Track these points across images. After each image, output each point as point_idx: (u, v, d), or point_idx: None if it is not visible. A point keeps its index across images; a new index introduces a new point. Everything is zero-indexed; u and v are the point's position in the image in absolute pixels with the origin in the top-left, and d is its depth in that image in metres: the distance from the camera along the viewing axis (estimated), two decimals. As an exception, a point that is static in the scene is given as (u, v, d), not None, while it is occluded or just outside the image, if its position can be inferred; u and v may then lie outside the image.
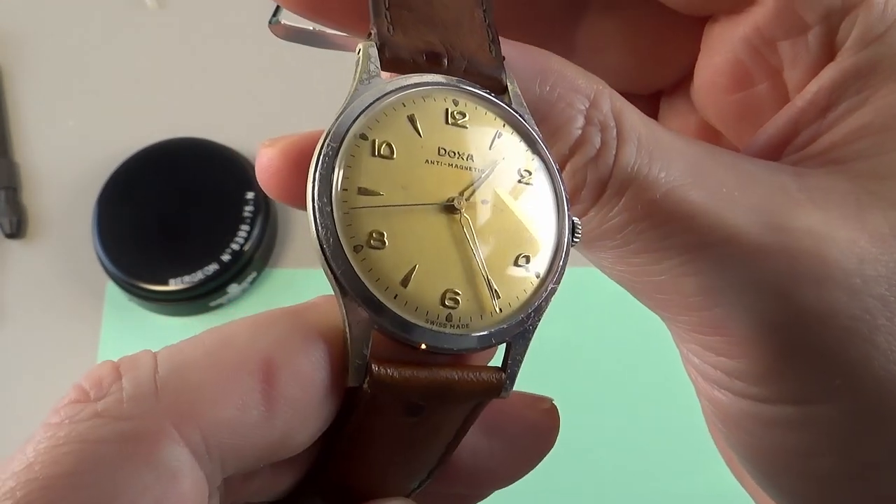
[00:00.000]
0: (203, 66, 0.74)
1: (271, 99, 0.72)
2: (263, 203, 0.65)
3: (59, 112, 0.72)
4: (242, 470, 0.22)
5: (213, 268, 0.63)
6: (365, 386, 0.22)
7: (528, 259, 0.23)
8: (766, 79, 0.29)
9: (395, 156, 0.23)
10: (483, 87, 0.24)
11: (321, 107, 0.70)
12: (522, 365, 0.23)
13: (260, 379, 0.22)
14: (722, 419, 0.28)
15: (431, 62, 0.24)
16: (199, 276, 0.62)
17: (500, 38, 0.25)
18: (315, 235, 0.22)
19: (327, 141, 0.22)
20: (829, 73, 0.27)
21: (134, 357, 0.23)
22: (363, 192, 0.22)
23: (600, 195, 0.25)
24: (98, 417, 0.21)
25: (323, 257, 0.22)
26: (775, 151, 0.27)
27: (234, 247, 0.63)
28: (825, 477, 0.26)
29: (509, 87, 0.24)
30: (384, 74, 0.23)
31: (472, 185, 0.23)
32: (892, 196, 0.25)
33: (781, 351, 0.25)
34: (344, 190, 0.22)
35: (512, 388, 0.23)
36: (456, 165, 0.23)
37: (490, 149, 0.24)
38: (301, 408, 0.22)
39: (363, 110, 0.23)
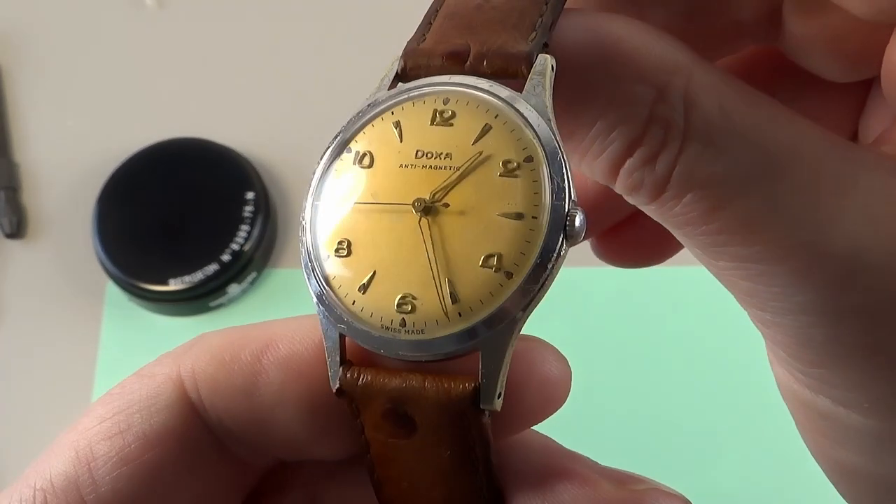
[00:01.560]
0: (203, 66, 0.74)
1: (271, 99, 0.72)
2: (263, 203, 0.65)
3: (59, 112, 0.72)
4: (232, 429, 0.25)
5: (213, 268, 0.63)
6: (334, 388, 0.23)
7: (499, 258, 0.21)
8: None
9: (373, 164, 0.23)
10: (506, 73, 0.22)
11: (321, 107, 0.71)
12: (503, 374, 0.22)
13: (254, 352, 0.25)
14: (777, 381, 0.27)
15: (452, 61, 0.23)
16: (199, 276, 0.62)
17: (568, 11, 0.23)
18: (300, 247, 0.23)
19: (321, 159, 0.23)
20: None
21: (211, 331, 0.27)
22: (338, 203, 0.23)
23: (658, 196, 0.23)
24: (154, 362, 0.27)
25: (304, 269, 0.23)
26: None
27: (234, 247, 0.63)
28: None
29: (533, 70, 0.22)
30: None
31: (444, 184, 0.22)
32: None
33: (821, 362, 0.23)
34: (321, 201, 0.23)
35: (493, 399, 0.22)
36: (431, 166, 0.22)
37: (474, 144, 0.22)
38: (287, 391, 0.24)
39: (358, 125, 0.23)
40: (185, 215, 0.65)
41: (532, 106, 0.22)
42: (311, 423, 0.24)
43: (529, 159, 0.22)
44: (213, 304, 0.64)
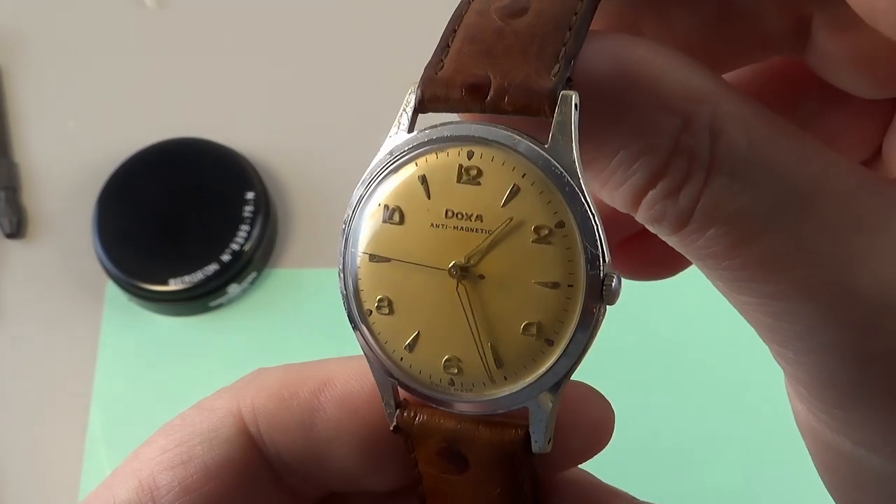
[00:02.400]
0: (203, 66, 0.74)
1: (271, 99, 0.72)
2: (263, 203, 0.65)
3: (59, 112, 0.72)
4: (291, 462, 0.26)
5: (213, 268, 0.63)
6: (391, 427, 0.24)
7: (538, 327, 0.22)
8: None
9: (404, 221, 0.23)
10: (529, 112, 0.21)
11: (322, 107, 0.71)
12: (550, 425, 0.23)
13: (312, 390, 0.26)
14: (795, 417, 0.26)
15: (472, 94, 0.21)
16: (199, 276, 0.62)
17: (590, 34, 0.22)
18: (341, 297, 0.24)
19: (352, 206, 0.23)
20: None
21: (268, 367, 0.29)
22: (374, 258, 0.23)
23: (681, 228, 0.22)
24: (214, 395, 0.28)
25: (344, 306, 0.24)
26: None
27: (234, 247, 0.63)
28: None
29: (558, 111, 0.21)
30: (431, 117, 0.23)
31: (478, 249, 0.22)
32: None
33: (843, 404, 0.23)
34: (359, 257, 0.23)
35: (543, 444, 0.23)
36: (462, 228, 0.22)
37: (503, 206, 0.22)
38: (344, 427, 0.25)
39: (381, 171, 0.23)
40: (185, 215, 0.65)
41: (558, 163, 0.21)
42: (366, 457, 0.26)
43: (561, 224, 0.21)
44: (213, 304, 0.64)
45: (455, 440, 0.24)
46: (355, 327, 0.24)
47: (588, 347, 0.22)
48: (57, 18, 0.76)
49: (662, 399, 0.59)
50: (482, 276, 0.22)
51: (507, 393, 0.22)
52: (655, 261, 0.30)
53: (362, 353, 0.24)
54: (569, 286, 0.22)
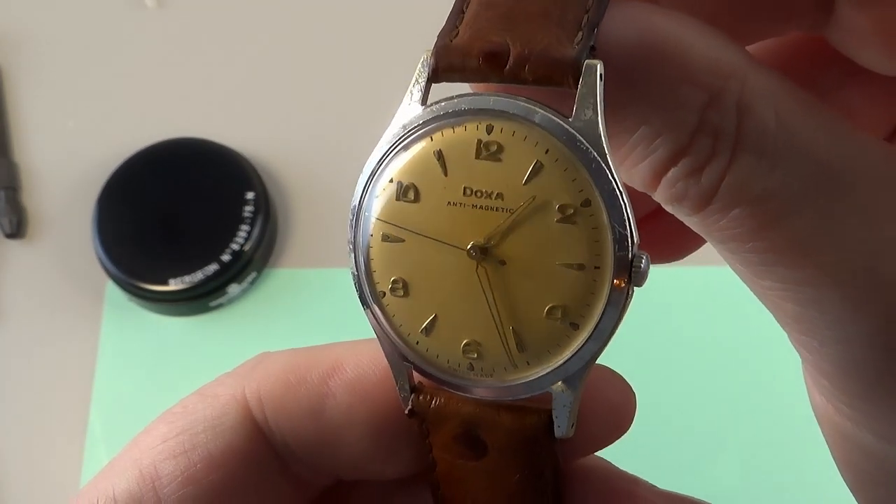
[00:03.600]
0: (203, 66, 0.74)
1: (271, 99, 0.72)
2: (263, 203, 0.65)
3: (59, 112, 0.72)
4: (300, 449, 0.25)
5: (213, 268, 0.63)
6: (406, 411, 0.23)
7: (563, 310, 0.21)
8: None
9: (419, 199, 0.21)
10: (552, 82, 0.20)
11: (322, 106, 0.71)
12: (573, 409, 0.22)
13: (322, 373, 0.25)
14: (814, 410, 0.25)
15: (489, 64, 0.20)
16: (199, 276, 0.62)
17: (612, 3, 0.20)
18: (352, 277, 0.23)
19: (363, 183, 0.22)
20: None
21: (272, 352, 0.28)
22: (386, 238, 0.22)
23: (703, 208, 0.21)
24: (218, 381, 0.28)
25: (356, 291, 0.23)
26: None
27: (234, 247, 0.63)
28: None
29: (582, 82, 0.20)
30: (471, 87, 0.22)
31: (498, 228, 0.21)
32: None
33: (869, 396, 0.22)
34: (371, 236, 0.22)
35: (567, 428, 0.22)
36: (482, 206, 0.21)
37: (525, 184, 0.21)
38: (355, 413, 0.24)
39: (392, 146, 0.22)
40: (185, 215, 0.65)
41: (584, 137, 0.20)
42: (377, 444, 0.25)
43: (587, 203, 0.20)
44: (213, 304, 0.64)
45: (474, 425, 0.23)
46: (367, 307, 0.23)
47: (615, 331, 0.21)
48: (57, 18, 0.76)
49: (664, 396, 0.59)
50: (503, 257, 0.21)
51: (530, 378, 0.22)
52: (667, 242, 0.29)
53: (374, 335, 0.23)
54: (595, 268, 0.21)
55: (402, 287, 0.22)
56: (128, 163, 0.67)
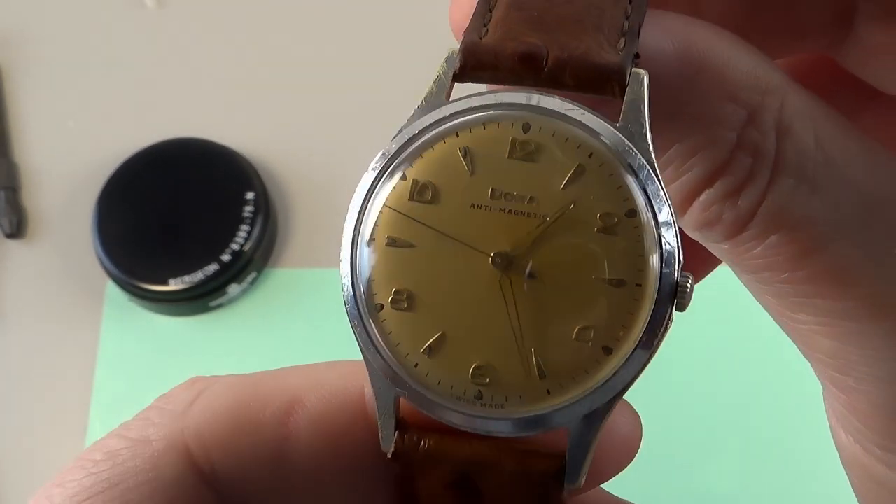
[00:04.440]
0: (203, 66, 0.74)
1: (271, 99, 0.72)
2: (263, 203, 0.65)
3: (59, 112, 0.72)
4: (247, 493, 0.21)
5: (213, 268, 0.63)
6: (389, 454, 0.20)
7: (596, 332, 0.19)
8: None
9: (436, 199, 0.19)
10: (593, 89, 0.19)
11: (322, 107, 0.71)
12: (591, 453, 0.19)
13: (281, 413, 0.21)
14: (839, 450, 0.24)
15: (526, 66, 0.19)
16: (199, 276, 0.62)
17: (648, 11, 0.19)
18: (341, 289, 0.20)
19: (368, 179, 0.19)
20: None
21: (210, 377, 0.23)
22: (392, 242, 0.19)
23: (737, 234, 0.19)
24: (144, 420, 0.22)
25: (345, 303, 0.20)
26: None
27: (234, 247, 0.63)
28: None
29: (630, 89, 0.18)
30: (462, 89, 0.20)
31: (529, 235, 0.19)
32: None
33: None
34: (371, 240, 0.19)
35: (579, 477, 0.19)
36: (511, 211, 0.19)
37: (563, 188, 0.19)
38: (323, 456, 0.20)
39: (408, 142, 0.19)
40: (185, 215, 0.65)
41: (633, 144, 0.18)
42: (351, 492, 0.21)
43: (632, 213, 0.18)
44: (213, 304, 0.64)
45: (470, 471, 0.20)
46: (358, 322, 0.20)
47: (650, 360, 0.19)
48: (57, 18, 0.76)
49: (664, 396, 0.59)
50: (532, 269, 0.19)
51: (548, 411, 0.19)
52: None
53: (362, 356, 0.20)
54: (636, 285, 0.18)
55: (406, 300, 0.19)
56: (128, 163, 0.67)
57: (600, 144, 0.19)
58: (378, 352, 0.19)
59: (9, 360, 0.64)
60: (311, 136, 0.69)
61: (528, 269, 0.19)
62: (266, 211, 0.65)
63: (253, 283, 0.65)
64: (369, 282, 0.19)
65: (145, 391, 0.63)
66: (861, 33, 0.22)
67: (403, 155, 0.19)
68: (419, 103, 0.20)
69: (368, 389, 0.20)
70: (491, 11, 0.19)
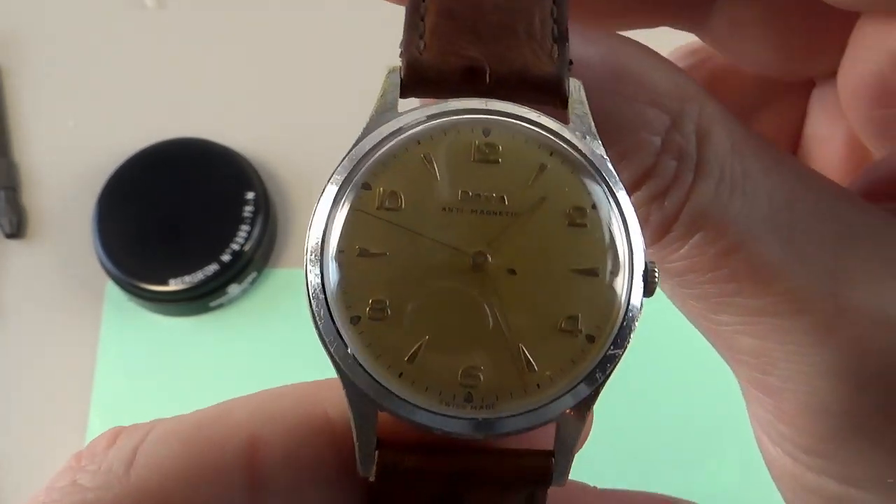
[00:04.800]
0: (203, 66, 0.74)
1: (271, 99, 0.72)
2: (263, 203, 0.65)
3: (59, 112, 0.72)
4: None
5: (213, 268, 0.63)
6: (370, 475, 0.19)
7: (576, 321, 0.19)
8: None
9: (403, 206, 0.19)
10: (536, 101, 0.20)
11: (322, 107, 0.71)
12: (578, 445, 0.19)
13: (242, 458, 0.19)
14: (767, 458, 0.25)
15: (467, 81, 0.19)
16: (199, 276, 0.62)
17: (569, 27, 0.20)
18: (308, 305, 0.19)
19: (330, 193, 0.20)
20: None
21: (135, 426, 0.21)
22: (363, 253, 0.19)
23: (664, 235, 0.20)
24: (72, 486, 0.19)
25: (316, 330, 0.19)
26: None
27: (234, 247, 0.63)
28: None
29: (572, 97, 0.20)
30: (413, 103, 0.20)
31: (503, 233, 0.19)
32: None
33: (833, 436, 0.21)
34: (340, 252, 0.19)
35: (567, 473, 0.20)
36: (482, 211, 0.19)
37: (530, 186, 0.19)
38: (297, 494, 0.19)
39: (368, 153, 0.20)
40: (185, 215, 0.65)
41: (587, 142, 0.19)
42: None
43: (597, 205, 0.19)
44: (213, 304, 0.64)
45: (457, 483, 0.19)
46: (331, 338, 0.19)
47: (628, 346, 0.19)
48: (57, 18, 0.76)
49: (664, 395, 0.59)
50: (510, 265, 0.19)
51: (538, 405, 0.19)
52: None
53: (338, 374, 0.19)
54: (611, 273, 0.19)
55: (383, 309, 0.19)
56: (128, 163, 0.67)
57: (559, 143, 0.19)
58: (359, 365, 0.19)
59: (9, 360, 0.64)
60: (311, 137, 0.69)
61: (505, 266, 0.19)
62: (266, 211, 0.65)
63: (253, 283, 0.65)
64: (343, 294, 0.19)
65: (145, 391, 0.63)
66: (723, 8, 0.23)
67: (365, 167, 0.20)
68: (369, 116, 0.20)
69: (333, 412, 0.20)
70: (422, 20, 0.20)
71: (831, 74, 0.26)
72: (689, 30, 0.22)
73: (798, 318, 0.20)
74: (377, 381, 0.19)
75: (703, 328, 0.22)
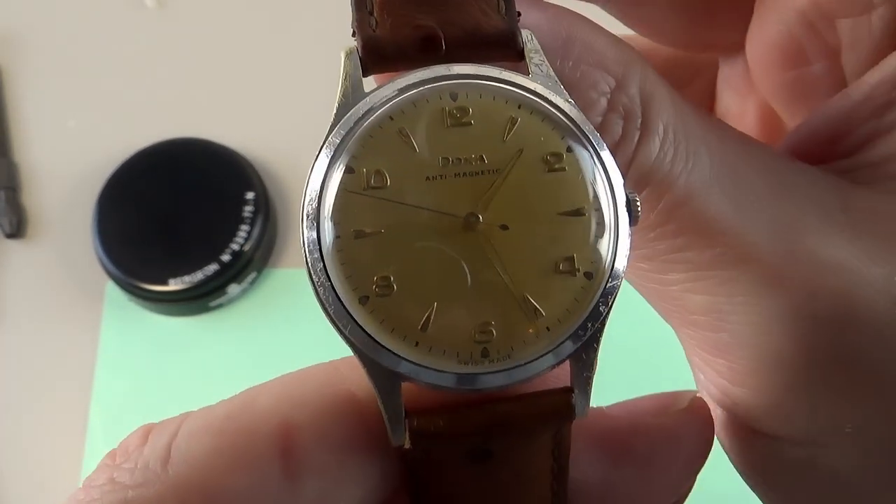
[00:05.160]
0: (203, 66, 0.74)
1: (271, 99, 0.72)
2: (263, 203, 0.65)
3: (59, 112, 0.72)
4: None
5: (213, 268, 0.63)
6: (406, 443, 0.20)
7: (572, 260, 0.20)
8: (823, 59, 0.24)
9: (388, 183, 0.20)
10: (494, 58, 0.20)
11: (322, 107, 0.70)
12: (592, 377, 0.20)
13: (278, 445, 0.20)
14: (724, 436, 0.25)
15: (424, 50, 0.20)
16: (199, 276, 0.62)
17: None
18: (315, 295, 0.20)
19: (310, 184, 0.20)
20: (891, 63, 0.23)
21: (165, 421, 0.21)
22: (360, 235, 0.19)
23: None
24: (111, 484, 0.20)
25: (327, 317, 0.20)
26: (821, 148, 0.24)
27: (234, 247, 0.63)
28: None
29: (527, 48, 0.20)
30: (374, 80, 0.21)
31: (489, 191, 0.20)
32: None
33: (789, 387, 0.21)
34: (337, 238, 0.19)
35: (587, 405, 0.20)
36: (465, 173, 0.20)
37: (505, 141, 0.20)
38: (333, 473, 0.20)
39: (345, 137, 0.20)
40: (185, 216, 0.65)
41: (551, 89, 0.20)
42: (384, 486, 0.21)
43: (571, 148, 0.20)
44: (213, 304, 0.64)
45: (487, 436, 0.20)
46: (344, 326, 0.19)
47: (622, 276, 0.20)
48: (57, 18, 0.76)
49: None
50: (502, 220, 0.20)
51: (552, 347, 0.20)
52: None
53: (356, 355, 0.20)
54: (595, 210, 0.20)
55: (389, 285, 0.19)
56: (128, 163, 0.67)
57: (526, 95, 0.20)
58: (376, 342, 0.19)
59: (9, 360, 0.64)
60: (312, 137, 0.69)
61: (498, 222, 0.20)
62: (266, 211, 0.65)
63: (253, 283, 0.65)
64: (348, 279, 0.20)
65: (145, 391, 0.63)
66: None
67: (345, 147, 0.20)
68: (336, 102, 0.20)
69: (356, 389, 0.20)
70: None
71: (736, 49, 0.27)
72: (594, 1, 0.23)
73: (747, 267, 0.21)
74: (396, 354, 0.19)
75: (653, 293, 0.23)
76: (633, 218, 0.20)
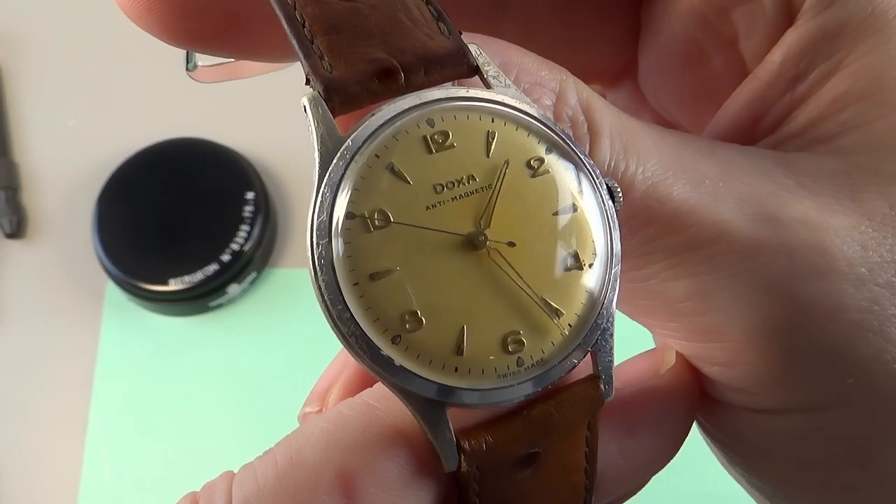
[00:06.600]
0: (203, 66, 0.74)
1: (272, 99, 0.72)
2: (263, 203, 0.65)
3: (59, 112, 0.72)
4: None
5: (213, 268, 0.63)
6: (463, 467, 0.20)
7: (575, 256, 0.21)
8: (721, 52, 0.25)
9: (392, 220, 0.20)
10: (451, 77, 0.21)
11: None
12: (612, 357, 0.21)
13: (340, 494, 0.20)
14: (725, 435, 0.25)
15: (386, 82, 0.20)
16: (199, 276, 0.62)
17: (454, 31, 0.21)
18: (347, 348, 0.20)
19: (315, 239, 0.20)
20: (791, 38, 0.23)
21: (211, 486, 0.21)
22: (376, 277, 0.20)
23: None
24: None
25: (363, 364, 0.20)
26: (744, 133, 0.25)
27: (234, 247, 0.63)
28: (848, 489, 0.24)
29: (480, 62, 0.21)
30: (337, 122, 0.20)
31: (486, 207, 0.20)
32: (887, 169, 0.22)
33: (786, 353, 0.22)
34: (355, 285, 0.20)
35: (612, 388, 0.21)
36: (461, 195, 0.20)
37: (489, 156, 0.21)
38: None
39: (339, 183, 0.20)
40: (185, 215, 0.65)
41: (514, 97, 0.21)
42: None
43: (550, 149, 0.21)
44: (212, 304, 0.64)
45: (534, 441, 0.21)
46: (385, 369, 0.19)
47: (621, 259, 0.21)
48: (57, 18, 0.76)
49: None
50: (507, 234, 0.20)
51: (579, 340, 0.20)
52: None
53: (397, 394, 0.20)
54: (585, 203, 0.21)
55: (417, 319, 0.20)
56: (128, 163, 0.67)
57: (495, 108, 0.21)
58: (416, 376, 0.20)
59: (9, 360, 0.64)
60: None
61: (505, 238, 0.20)
62: (266, 211, 0.65)
63: (253, 283, 0.65)
64: (375, 322, 0.20)
65: (145, 391, 0.63)
66: (514, 8, 0.25)
67: (342, 197, 0.20)
68: (318, 149, 0.20)
69: (401, 423, 0.21)
70: (312, 43, 0.20)
71: (619, 77, 0.28)
72: (489, 33, 0.23)
73: (723, 240, 0.22)
74: (437, 383, 0.20)
75: (631, 295, 0.23)
76: (617, 203, 0.21)
